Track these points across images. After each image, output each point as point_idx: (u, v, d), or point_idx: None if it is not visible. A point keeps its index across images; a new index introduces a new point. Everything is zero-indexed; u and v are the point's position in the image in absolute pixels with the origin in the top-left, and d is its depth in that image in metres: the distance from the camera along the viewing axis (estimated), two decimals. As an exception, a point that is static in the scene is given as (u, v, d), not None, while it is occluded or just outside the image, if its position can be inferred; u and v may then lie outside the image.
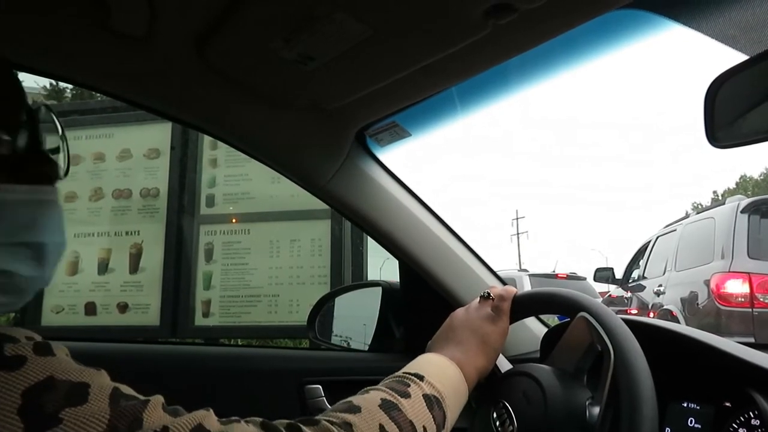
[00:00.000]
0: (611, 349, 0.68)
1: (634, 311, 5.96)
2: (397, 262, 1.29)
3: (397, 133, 1.09)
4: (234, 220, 3.26)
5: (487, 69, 0.84)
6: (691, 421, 0.85)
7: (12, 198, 0.54)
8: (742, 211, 4.67)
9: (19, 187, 0.55)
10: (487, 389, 0.81)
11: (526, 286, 7.90)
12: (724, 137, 0.70)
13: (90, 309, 3.32)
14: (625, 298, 6.55)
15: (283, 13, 0.75)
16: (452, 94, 0.97)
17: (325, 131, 1.08)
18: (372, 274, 3.30)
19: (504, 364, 0.85)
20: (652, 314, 5.41)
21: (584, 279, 9.26)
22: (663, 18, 0.73)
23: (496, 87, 0.96)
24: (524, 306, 0.86)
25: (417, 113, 1.02)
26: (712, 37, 0.71)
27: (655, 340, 0.81)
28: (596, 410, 0.69)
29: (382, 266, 3.17)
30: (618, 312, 0.77)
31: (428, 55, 0.81)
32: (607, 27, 0.77)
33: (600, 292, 8.73)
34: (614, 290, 7.22)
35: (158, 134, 3.38)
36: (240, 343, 3.37)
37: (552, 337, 1.09)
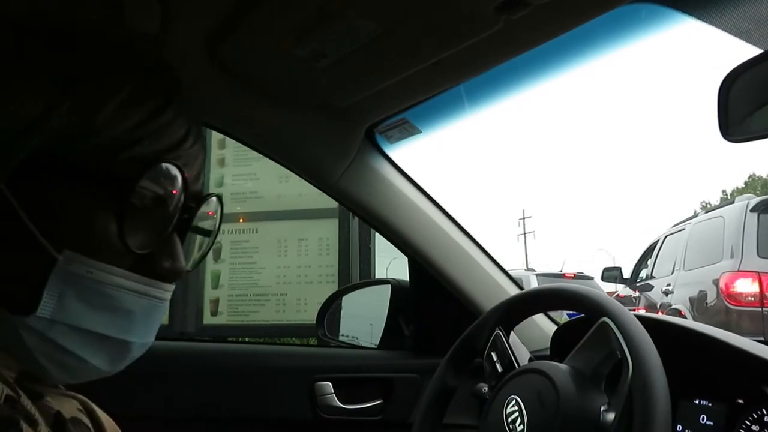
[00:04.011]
0: (630, 362, 0.67)
1: (642, 311, 5.94)
2: (405, 261, 1.29)
3: (407, 130, 1.09)
4: (242, 219, 3.27)
5: (498, 65, 0.84)
6: (703, 418, 0.84)
7: (128, 286, 0.49)
8: (751, 210, 4.65)
9: (139, 278, 0.49)
10: (503, 382, 0.81)
11: (534, 286, 7.88)
12: (737, 132, 0.70)
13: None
14: (633, 297, 6.53)
15: (296, 12, 0.76)
16: (463, 91, 0.97)
17: (335, 128, 1.08)
18: (379, 273, 3.30)
19: (523, 356, 0.85)
20: (660, 314, 5.39)
21: (591, 278, 9.24)
22: (676, 12, 0.73)
23: (507, 83, 0.96)
24: (546, 300, 0.86)
25: (427, 110, 1.02)
26: (726, 31, 0.70)
27: (668, 336, 0.81)
28: (610, 417, 0.69)
29: (389, 265, 3.18)
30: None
31: (439, 51, 0.81)
32: (619, 21, 0.76)
33: (608, 292, 8.69)
34: (622, 290, 7.20)
35: (166, 134, 3.39)
36: (248, 341, 3.38)
37: (562, 334, 1.09)
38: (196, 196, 0.53)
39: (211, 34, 0.84)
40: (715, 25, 0.71)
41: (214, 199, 0.57)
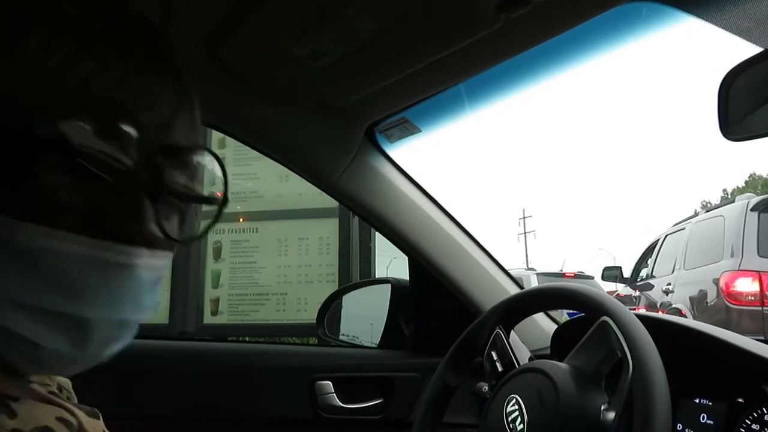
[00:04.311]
0: (630, 361, 0.68)
1: (643, 310, 5.94)
2: (405, 260, 1.29)
3: (407, 129, 1.09)
4: (242, 219, 3.27)
5: (498, 63, 0.84)
6: (704, 417, 0.84)
7: (69, 249, 0.40)
8: (752, 209, 4.65)
9: (86, 240, 0.40)
10: (503, 381, 0.81)
11: (534, 285, 7.89)
12: (738, 130, 0.70)
13: (100, 307, 3.33)
14: (634, 296, 6.53)
15: (295, 12, 0.76)
16: (463, 90, 0.97)
17: (335, 127, 1.08)
18: (379, 273, 3.30)
19: (524, 355, 0.85)
20: (660, 313, 5.39)
21: (592, 278, 9.26)
22: (677, 10, 0.73)
23: (507, 82, 0.96)
24: (546, 299, 0.86)
25: (427, 109, 1.02)
26: (727, 30, 0.70)
27: (668, 335, 0.81)
28: (611, 416, 0.69)
29: (389, 265, 3.18)
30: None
31: (439, 49, 0.80)
32: (620, 20, 0.76)
33: (608, 291, 8.70)
34: (622, 289, 7.20)
35: (166, 133, 3.39)
36: (248, 340, 3.38)
37: (563, 333, 1.09)
38: (168, 149, 0.44)
39: (211, 34, 0.84)
40: (716, 24, 0.71)
41: (209, 158, 0.47)
